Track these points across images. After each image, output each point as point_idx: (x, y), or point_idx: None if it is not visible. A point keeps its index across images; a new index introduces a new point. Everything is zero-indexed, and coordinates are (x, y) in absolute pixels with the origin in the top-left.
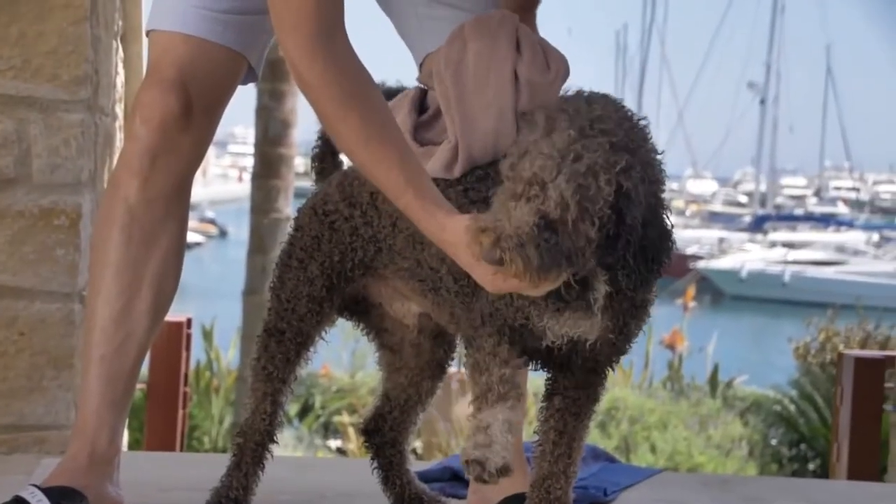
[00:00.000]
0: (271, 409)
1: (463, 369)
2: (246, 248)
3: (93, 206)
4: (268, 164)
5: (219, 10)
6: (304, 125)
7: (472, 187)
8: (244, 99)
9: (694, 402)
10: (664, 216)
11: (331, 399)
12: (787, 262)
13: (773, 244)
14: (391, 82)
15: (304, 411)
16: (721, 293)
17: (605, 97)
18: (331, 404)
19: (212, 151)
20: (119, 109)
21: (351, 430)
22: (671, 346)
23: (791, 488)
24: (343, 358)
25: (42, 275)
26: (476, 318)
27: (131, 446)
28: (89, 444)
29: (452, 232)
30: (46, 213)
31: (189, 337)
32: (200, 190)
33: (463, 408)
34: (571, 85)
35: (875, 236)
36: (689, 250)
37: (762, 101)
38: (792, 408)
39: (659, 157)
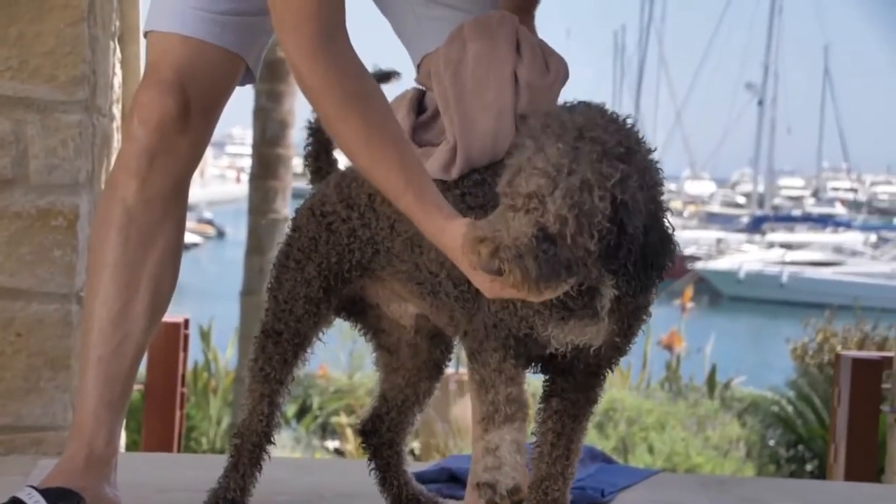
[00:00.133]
0: (268, 410)
1: (461, 370)
2: (244, 248)
3: (90, 206)
4: (265, 164)
5: (217, 12)
6: (302, 126)
7: (469, 192)
8: (242, 100)
9: (692, 402)
10: (665, 220)
11: (328, 400)
12: (784, 263)
13: (770, 245)
14: (391, 84)
15: (302, 412)
16: (719, 294)
17: (589, 105)
18: (328, 405)
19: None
20: (116, 110)
21: (349, 431)
22: (669, 347)
23: (788, 489)
24: (341, 359)
25: (39, 276)
26: (480, 330)
27: (129, 447)
28: (86, 445)
29: (451, 236)
30: (44, 213)
31: (186, 338)
32: (198, 190)
33: (461, 409)
34: (570, 86)
35: (873, 237)
36: (687, 251)
37: (760, 102)
38: (789, 409)
39: (655, 158)
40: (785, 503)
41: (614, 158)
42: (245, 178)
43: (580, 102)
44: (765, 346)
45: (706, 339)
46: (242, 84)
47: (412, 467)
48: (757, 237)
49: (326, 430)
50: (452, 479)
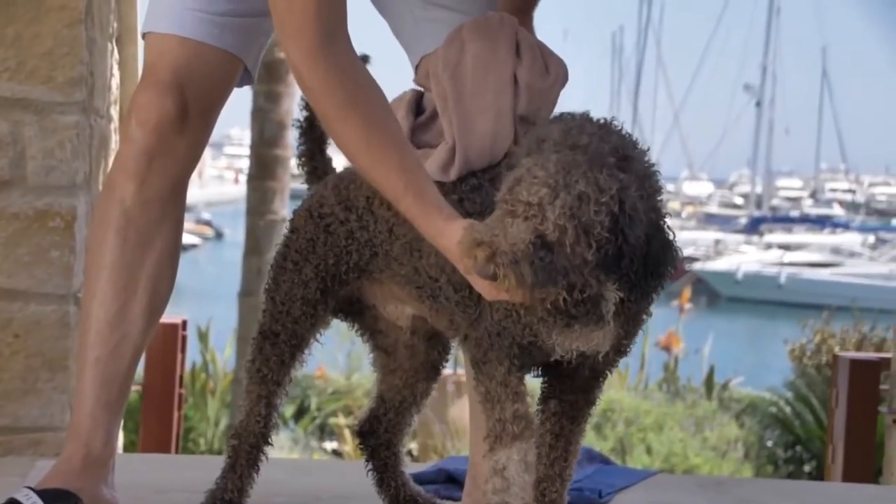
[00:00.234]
0: (266, 412)
1: (459, 371)
2: (242, 249)
3: (88, 208)
4: (264, 165)
5: (215, 13)
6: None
7: (467, 197)
8: (240, 101)
9: (690, 403)
10: (665, 227)
11: (326, 401)
12: (782, 264)
13: (768, 246)
14: (389, 84)
15: (300, 413)
16: (717, 295)
17: (587, 116)
18: (326, 406)
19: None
20: (114, 111)
21: (347, 432)
22: (667, 348)
23: (786, 490)
24: (339, 360)
25: (37, 277)
26: (483, 339)
27: (126, 448)
28: (84, 446)
29: (450, 238)
30: (41, 215)
31: (184, 339)
32: (196, 191)
33: (459, 410)
34: (568, 88)
35: (871, 238)
36: (685, 252)
37: (758, 103)
38: (787, 410)
39: (654, 166)
40: None
41: (614, 169)
42: (243, 179)
43: (579, 113)
44: (763, 347)
45: (704, 339)
46: (240, 85)
47: (410, 468)
48: (755, 238)
49: (324, 431)
50: (450, 479)
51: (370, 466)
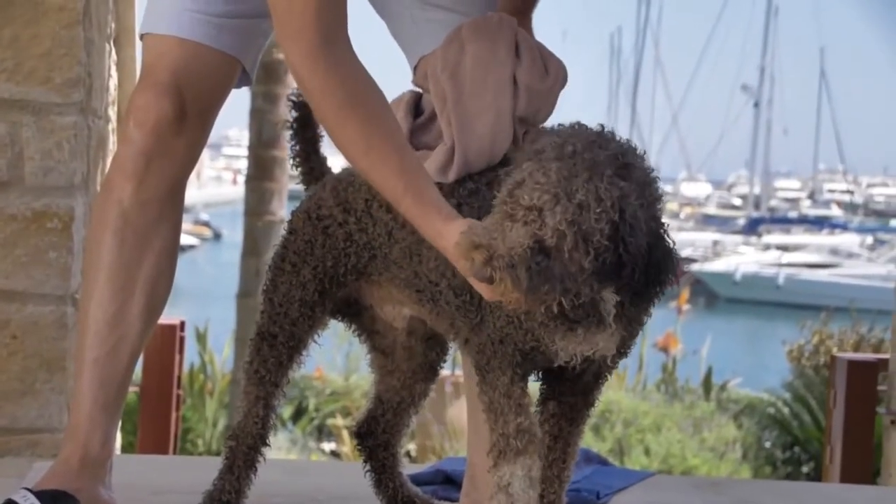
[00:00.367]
0: (263, 413)
1: (457, 371)
2: (240, 250)
3: (85, 209)
4: (262, 166)
5: (214, 14)
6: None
7: (464, 202)
8: (238, 101)
9: (688, 404)
10: (666, 235)
11: (325, 402)
12: (781, 265)
13: (767, 247)
14: (388, 85)
15: (298, 414)
16: (715, 296)
17: (587, 126)
18: (325, 407)
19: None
20: (112, 112)
21: (345, 433)
22: (665, 349)
23: (784, 491)
24: (337, 360)
25: (35, 277)
26: (486, 346)
27: (124, 449)
28: (82, 447)
29: (449, 239)
30: (39, 215)
31: (182, 340)
32: (195, 192)
33: (457, 410)
34: (566, 89)
35: (869, 239)
36: (683, 253)
37: (756, 104)
38: (786, 410)
39: (654, 175)
40: None
41: (615, 177)
42: (241, 179)
43: (580, 123)
44: (761, 348)
45: (702, 340)
46: (239, 86)
47: (408, 469)
48: (753, 239)
49: (322, 432)
50: (448, 480)
51: (368, 467)
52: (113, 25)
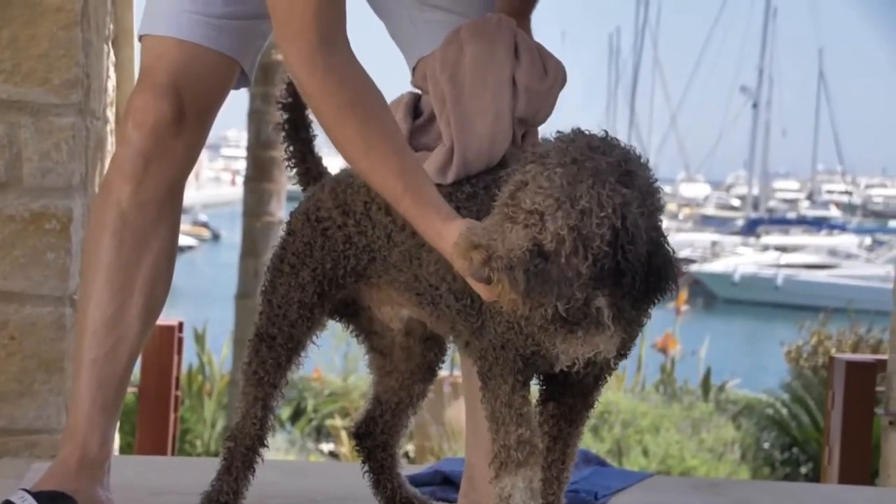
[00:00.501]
0: (262, 414)
1: (455, 372)
2: (238, 251)
3: (84, 210)
4: (260, 167)
5: (213, 16)
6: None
7: (463, 206)
8: (237, 102)
9: (686, 405)
10: (666, 244)
11: (323, 402)
12: (779, 266)
13: (765, 248)
14: (387, 86)
15: (297, 415)
16: (714, 297)
17: (591, 132)
18: (323, 408)
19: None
20: (110, 113)
21: (343, 434)
22: (664, 350)
23: (782, 492)
24: (335, 361)
25: (33, 278)
26: (489, 353)
27: (123, 450)
28: (80, 447)
29: (448, 240)
30: (37, 216)
31: (181, 340)
32: (193, 193)
33: (455, 411)
34: (565, 89)
35: (867, 240)
36: (682, 254)
37: (755, 105)
38: (784, 411)
39: (656, 182)
40: None
41: (617, 185)
42: (240, 180)
43: (584, 129)
44: (759, 349)
45: (701, 341)
46: (237, 88)
47: (406, 470)
48: (752, 240)
49: (321, 433)
50: (446, 481)
51: (366, 468)
52: (111, 26)
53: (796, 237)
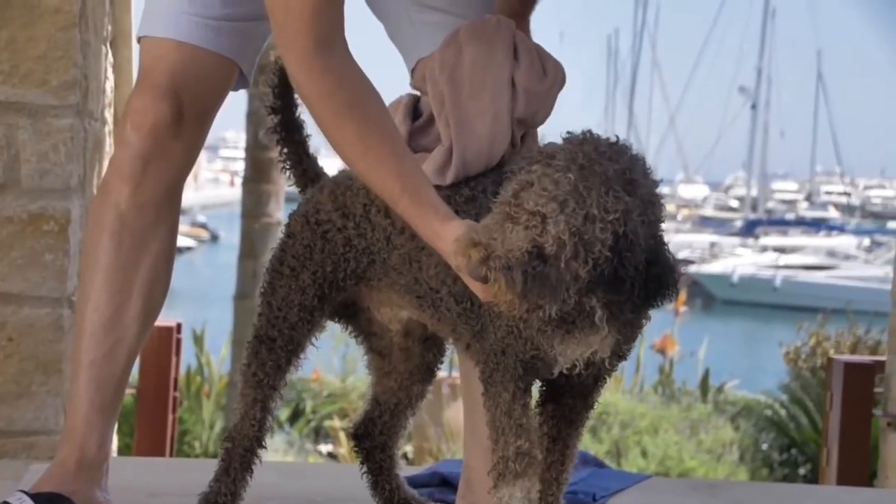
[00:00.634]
0: (261, 415)
1: (454, 373)
2: (237, 252)
3: (82, 211)
4: (259, 168)
5: (212, 17)
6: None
7: (461, 209)
8: (235, 103)
9: (685, 406)
10: (666, 252)
11: (322, 404)
12: (778, 267)
13: (764, 249)
14: (386, 88)
15: (295, 416)
16: (712, 298)
17: (598, 136)
18: (322, 409)
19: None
20: (108, 115)
21: (342, 435)
22: (662, 351)
23: (780, 493)
24: (334, 362)
25: (31, 280)
26: (490, 358)
27: (121, 451)
28: (78, 449)
29: (446, 240)
30: (35, 218)
31: (179, 342)
32: (192, 194)
33: (453, 412)
34: (564, 90)
35: (866, 241)
36: (680, 255)
37: (753, 106)
38: (782, 412)
39: (660, 193)
40: None
41: (620, 191)
42: (239, 181)
43: (590, 132)
44: (758, 350)
45: (699, 342)
46: (236, 89)
47: (404, 471)
48: (750, 241)
49: (319, 434)
50: (444, 483)
51: (365, 469)
52: (109, 28)
53: (795, 238)
